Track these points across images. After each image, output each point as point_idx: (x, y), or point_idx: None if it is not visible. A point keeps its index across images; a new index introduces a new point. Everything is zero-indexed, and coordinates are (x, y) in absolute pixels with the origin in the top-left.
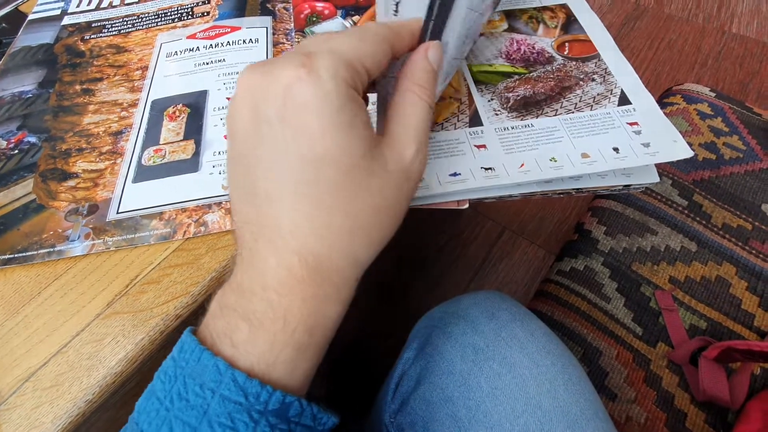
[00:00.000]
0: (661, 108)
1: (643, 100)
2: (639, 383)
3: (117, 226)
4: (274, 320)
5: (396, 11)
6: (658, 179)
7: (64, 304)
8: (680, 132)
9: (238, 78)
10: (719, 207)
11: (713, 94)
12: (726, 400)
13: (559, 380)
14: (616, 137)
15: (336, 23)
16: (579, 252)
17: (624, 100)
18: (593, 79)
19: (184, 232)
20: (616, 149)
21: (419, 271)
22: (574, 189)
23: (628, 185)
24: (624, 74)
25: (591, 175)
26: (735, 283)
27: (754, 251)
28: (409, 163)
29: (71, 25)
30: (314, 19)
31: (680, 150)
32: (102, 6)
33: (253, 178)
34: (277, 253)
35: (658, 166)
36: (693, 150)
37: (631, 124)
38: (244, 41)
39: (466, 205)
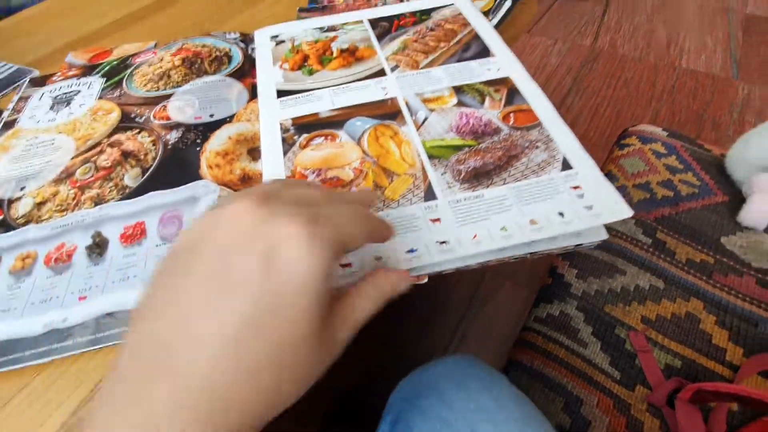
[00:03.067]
0: (619, 149)
1: (584, 163)
2: (621, 430)
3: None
4: None
5: None
6: (606, 236)
7: (32, 412)
8: (638, 171)
9: (232, 195)
10: (681, 243)
11: (665, 134)
12: None
13: None
14: (561, 202)
15: None
16: (554, 297)
17: (566, 165)
18: (537, 147)
19: None
20: (561, 214)
21: (405, 318)
22: (527, 253)
23: (579, 244)
24: (565, 140)
25: (542, 240)
26: (704, 318)
27: (718, 285)
28: (339, 346)
29: None
30: None
31: (621, 210)
32: None
33: (187, 298)
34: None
35: None
36: (652, 188)
37: (574, 188)
38: None
39: (425, 280)
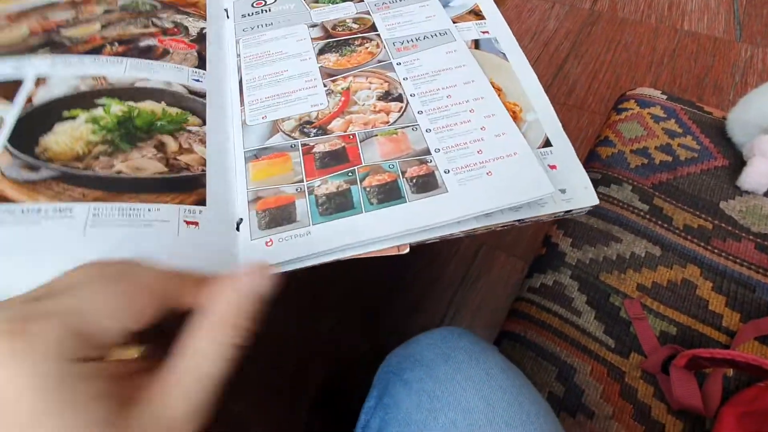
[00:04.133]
0: (617, 114)
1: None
2: (615, 398)
3: None
4: None
5: None
6: (597, 201)
7: None
8: (636, 137)
9: None
10: (679, 209)
11: (665, 97)
12: (699, 408)
13: (515, 420)
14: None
15: None
16: (547, 267)
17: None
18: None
19: None
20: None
21: (397, 295)
22: (515, 220)
23: (570, 210)
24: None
25: (531, 204)
26: (701, 285)
27: (716, 250)
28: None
29: None
30: None
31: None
32: None
33: None
34: None
35: (618, 173)
36: (650, 153)
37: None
38: None
39: (407, 250)
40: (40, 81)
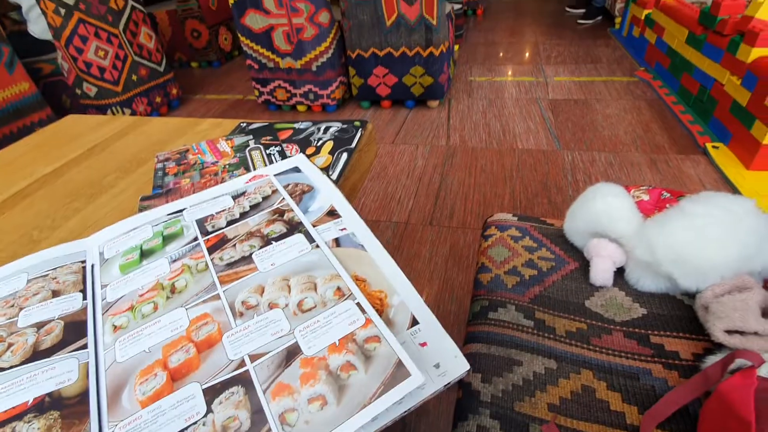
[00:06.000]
0: (485, 240)
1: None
2: None
3: None
4: None
5: None
6: (468, 367)
7: None
8: (504, 259)
9: None
10: (557, 317)
11: (516, 218)
12: None
13: None
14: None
15: None
16: (468, 411)
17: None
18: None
19: None
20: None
21: None
22: (403, 412)
23: (448, 383)
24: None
25: (412, 393)
26: (597, 387)
27: (597, 348)
28: None
29: None
30: None
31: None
32: None
33: None
34: None
35: (500, 295)
36: (519, 271)
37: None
38: None
39: None
40: None
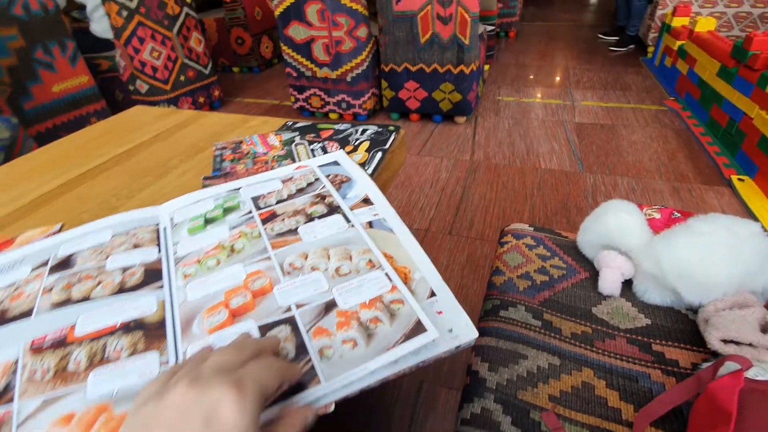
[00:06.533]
0: (501, 247)
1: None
2: None
3: None
4: None
5: None
6: (477, 334)
7: None
8: (518, 264)
9: (164, 385)
10: (564, 319)
11: (532, 229)
12: None
13: None
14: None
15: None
16: (474, 395)
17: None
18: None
19: None
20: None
21: None
22: (418, 363)
23: (458, 345)
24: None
25: (427, 346)
26: (597, 384)
27: (600, 351)
28: None
29: None
30: None
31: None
32: None
33: None
34: None
35: (512, 297)
36: (531, 276)
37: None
38: None
39: (332, 407)
40: None
